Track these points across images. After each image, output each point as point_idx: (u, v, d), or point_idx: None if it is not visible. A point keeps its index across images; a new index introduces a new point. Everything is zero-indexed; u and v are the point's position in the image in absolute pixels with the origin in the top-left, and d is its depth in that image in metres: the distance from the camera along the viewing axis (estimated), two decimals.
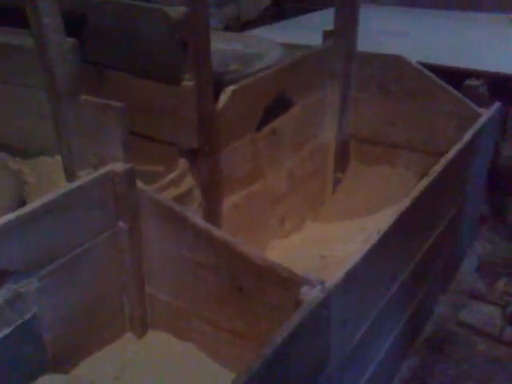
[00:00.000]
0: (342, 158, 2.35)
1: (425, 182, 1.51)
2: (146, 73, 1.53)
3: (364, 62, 2.19)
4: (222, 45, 2.11)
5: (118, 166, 1.29)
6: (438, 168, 1.58)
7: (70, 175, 1.33)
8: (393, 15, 3.46)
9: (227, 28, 4.98)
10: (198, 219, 1.29)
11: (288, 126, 2.00)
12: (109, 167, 1.28)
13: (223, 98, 1.65)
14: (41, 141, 1.50)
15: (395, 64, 2.14)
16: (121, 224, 1.33)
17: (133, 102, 1.58)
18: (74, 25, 1.59)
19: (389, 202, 2.04)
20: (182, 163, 1.58)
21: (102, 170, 1.27)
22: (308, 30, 2.76)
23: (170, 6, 1.42)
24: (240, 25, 5.07)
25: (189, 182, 1.60)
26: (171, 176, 1.56)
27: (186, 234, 1.29)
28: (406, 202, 1.40)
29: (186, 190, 1.59)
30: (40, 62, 1.23)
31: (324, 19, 2.74)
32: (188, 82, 1.47)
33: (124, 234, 1.34)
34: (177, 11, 1.40)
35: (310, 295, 1.05)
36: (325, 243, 2.02)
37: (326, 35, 2.15)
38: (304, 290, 1.07)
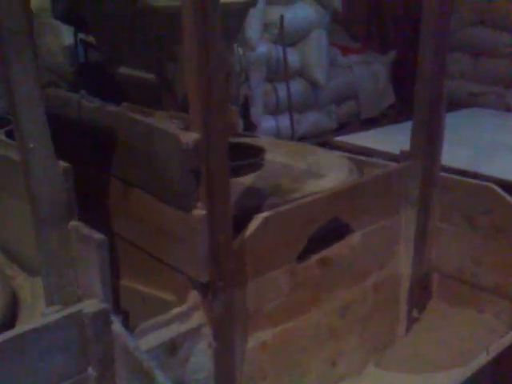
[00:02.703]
0: (421, 294, 2.03)
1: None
2: (161, 195, 1.42)
3: (447, 187, 1.91)
4: (282, 158, 1.97)
5: (92, 305, 1.16)
6: None
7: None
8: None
9: (345, 125, 4.87)
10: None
11: (344, 255, 1.77)
12: (80, 306, 1.16)
13: (252, 226, 1.48)
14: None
15: (485, 195, 1.84)
16: (90, 371, 1.19)
17: (150, 222, 1.48)
18: (104, 138, 1.55)
19: (473, 354, 1.70)
20: (193, 296, 1.42)
21: (71, 309, 1.15)
22: None
23: (184, 132, 1.31)
24: (360, 122, 4.94)
25: (199, 317, 1.43)
26: (178, 309, 1.40)
27: None
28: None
29: (195, 326, 1.41)
30: (25, 186, 1.17)
31: (457, 122, 2.49)
32: (200, 211, 1.33)
33: (92, 383, 1.19)
34: (189, 137, 1.28)
35: None
36: None
37: (404, 155, 1.91)
38: None
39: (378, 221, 1.85)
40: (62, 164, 1.19)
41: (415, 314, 2.03)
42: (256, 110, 3.83)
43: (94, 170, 1.65)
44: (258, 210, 1.59)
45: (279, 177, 1.85)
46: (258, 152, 1.93)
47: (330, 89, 4.47)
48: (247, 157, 1.92)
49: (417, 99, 1.84)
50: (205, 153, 1.29)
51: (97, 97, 2.31)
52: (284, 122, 4.07)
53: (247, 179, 1.83)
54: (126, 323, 1.60)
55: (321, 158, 2.03)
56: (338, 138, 3.15)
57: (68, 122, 1.68)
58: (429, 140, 1.85)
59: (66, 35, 2.99)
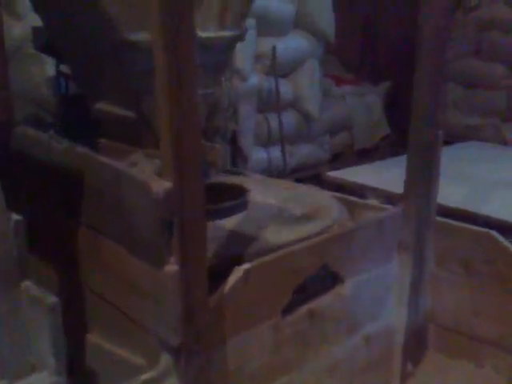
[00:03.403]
0: (416, 347, 1.89)
1: None
2: (130, 247, 1.29)
3: (444, 232, 1.79)
4: (269, 198, 1.84)
5: (42, 380, 1.02)
6: None
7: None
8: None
9: (338, 156, 4.76)
10: None
11: (333, 306, 1.64)
12: (28, 380, 1.02)
13: (232, 279, 1.36)
14: None
15: (484, 242, 1.72)
16: None
17: (120, 275, 1.35)
18: (73, 182, 1.42)
19: None
20: (165, 360, 1.28)
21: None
22: None
23: (156, 179, 1.19)
24: (354, 152, 4.83)
25: (172, 383, 1.29)
26: (148, 375, 1.26)
27: None
28: None
29: None
30: None
31: (453, 156, 2.38)
32: (172, 267, 1.20)
33: None
34: (160, 185, 1.16)
35: None
36: None
37: (397, 198, 1.80)
38: None
39: (370, 269, 1.72)
40: (14, 217, 1.06)
41: (410, 367, 1.89)
42: (247, 142, 3.71)
43: (64, 215, 1.53)
44: (238, 258, 1.46)
45: (264, 220, 1.73)
46: (241, 192, 1.81)
47: (323, 120, 4.37)
48: (230, 197, 1.80)
49: (411, 140, 1.73)
50: (178, 203, 1.17)
51: (76, 131, 2.20)
52: (276, 153, 3.95)
53: (229, 222, 1.70)
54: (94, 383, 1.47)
55: (310, 199, 1.91)
56: (331, 174, 3.04)
57: (37, 163, 1.56)
58: (424, 182, 1.73)
59: (50, 66, 2.89)
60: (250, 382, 1.46)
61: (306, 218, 1.74)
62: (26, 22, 2.87)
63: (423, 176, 1.72)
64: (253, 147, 3.79)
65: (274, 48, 3.89)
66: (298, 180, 3.90)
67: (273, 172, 3.91)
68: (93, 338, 1.49)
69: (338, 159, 4.70)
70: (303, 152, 4.23)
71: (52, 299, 1.03)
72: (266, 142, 3.95)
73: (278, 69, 3.95)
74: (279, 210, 1.81)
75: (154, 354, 1.31)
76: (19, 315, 1.07)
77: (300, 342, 1.56)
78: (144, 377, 1.26)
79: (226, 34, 1.82)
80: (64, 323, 1.63)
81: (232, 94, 2.54)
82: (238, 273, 1.37)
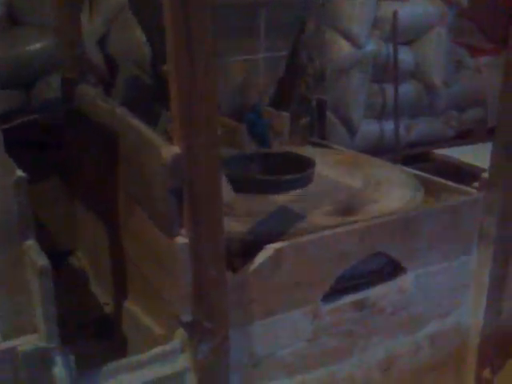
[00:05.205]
0: (497, 352, 1.65)
1: None
2: (150, 215, 1.23)
3: None
4: (338, 173, 1.69)
5: (29, 343, 1.00)
6: None
7: None
8: None
9: (467, 133, 4.34)
10: None
11: (389, 299, 1.46)
12: (14, 342, 1.00)
13: (259, 259, 1.25)
14: None
15: None
16: None
17: (146, 243, 1.31)
18: (111, 144, 1.39)
19: None
20: (180, 334, 1.22)
21: (3, 344, 1.00)
22: None
23: (168, 144, 1.10)
24: (486, 130, 4.38)
25: (184, 360, 1.22)
26: (160, 349, 1.21)
27: None
28: None
29: (176, 371, 1.21)
30: None
31: None
32: (182, 239, 1.12)
33: None
34: (169, 151, 1.08)
35: None
36: None
37: (482, 184, 1.55)
38: None
39: (441, 261, 1.51)
40: (18, 172, 1.04)
41: (487, 374, 1.66)
42: (356, 113, 3.50)
43: (104, 176, 1.51)
44: (278, 238, 1.34)
45: (325, 196, 1.59)
46: (305, 165, 1.68)
47: (450, 94, 4.00)
48: (296, 170, 1.68)
49: (502, 113, 1.48)
50: (188, 170, 1.08)
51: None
52: (389, 126, 3.69)
53: (286, 198, 1.58)
54: (124, 352, 1.45)
55: (383, 175, 1.72)
56: (440, 152, 2.75)
57: (88, 120, 1.55)
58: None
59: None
60: (281, 369, 1.36)
61: (374, 197, 1.58)
62: None
63: (496, 160, 1.46)
64: (362, 119, 3.57)
65: (395, 12, 3.60)
66: (411, 157, 3.63)
67: (385, 146, 3.67)
68: (128, 304, 1.47)
69: (467, 137, 4.31)
70: (423, 127, 3.92)
71: (42, 262, 0.99)
72: (379, 114, 3.71)
73: (400, 35, 3.66)
74: (344, 187, 1.65)
75: (171, 328, 1.25)
76: (17, 275, 1.05)
77: (345, 333, 1.42)
78: (155, 350, 1.20)
79: None
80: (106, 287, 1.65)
81: (321, 62, 2.35)
82: (267, 252, 1.26)
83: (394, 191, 1.60)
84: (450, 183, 1.71)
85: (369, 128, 3.63)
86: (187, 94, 1.03)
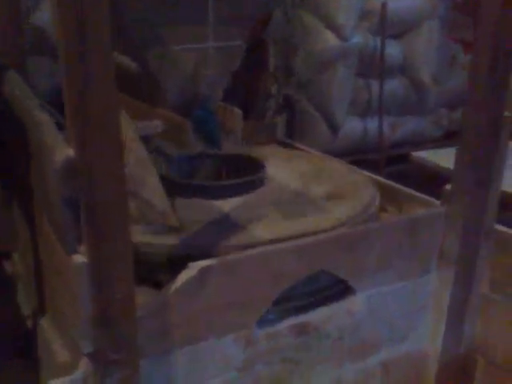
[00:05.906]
0: (456, 381, 1.50)
1: None
2: (53, 227, 1.08)
3: (507, 247, 1.37)
4: (292, 179, 1.54)
5: None
6: None
7: None
8: None
9: (457, 133, 4.18)
10: None
11: (334, 322, 1.31)
12: None
13: (182, 278, 1.10)
14: None
15: None
16: None
17: (52, 257, 1.15)
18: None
19: None
20: (84, 364, 1.07)
21: None
22: None
23: (65, 146, 0.95)
24: None
25: None
26: (57, 382, 1.06)
27: None
28: None
29: None
30: None
31: None
32: (79, 258, 0.97)
33: None
34: (63, 154, 0.92)
35: None
36: None
37: (446, 196, 1.39)
38: None
39: (396, 281, 1.36)
40: None
41: None
42: (339, 109, 3.34)
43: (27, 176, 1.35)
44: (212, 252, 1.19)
45: (272, 204, 1.43)
46: (255, 168, 1.52)
47: (441, 91, 3.83)
48: (247, 173, 1.53)
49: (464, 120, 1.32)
50: (85, 179, 0.92)
51: None
52: (374, 124, 3.52)
53: (231, 204, 1.43)
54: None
55: (342, 182, 1.57)
56: (418, 154, 2.60)
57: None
58: (479, 179, 1.32)
59: None
60: None
61: (324, 207, 1.42)
62: None
63: (478, 168, 1.31)
64: (346, 116, 3.41)
65: (383, 4, 3.43)
66: (394, 158, 3.47)
67: (368, 145, 3.51)
68: (43, 321, 1.32)
69: (456, 137, 4.15)
70: (410, 126, 3.75)
71: None
72: (363, 111, 3.54)
73: (389, 28, 3.49)
74: (296, 195, 1.50)
75: (79, 354, 1.10)
76: None
77: (283, 360, 1.27)
78: (52, 383, 1.06)
79: None
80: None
81: (292, 54, 2.18)
82: (191, 270, 1.11)
83: (347, 201, 1.45)
84: (413, 192, 1.55)
85: (352, 125, 3.47)
86: (79, 92, 0.87)
